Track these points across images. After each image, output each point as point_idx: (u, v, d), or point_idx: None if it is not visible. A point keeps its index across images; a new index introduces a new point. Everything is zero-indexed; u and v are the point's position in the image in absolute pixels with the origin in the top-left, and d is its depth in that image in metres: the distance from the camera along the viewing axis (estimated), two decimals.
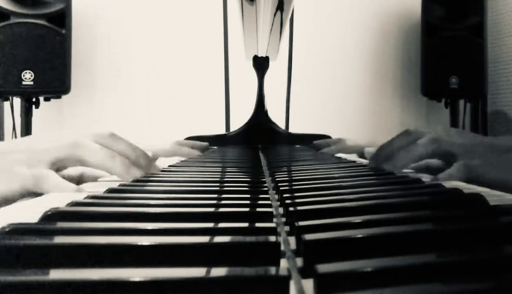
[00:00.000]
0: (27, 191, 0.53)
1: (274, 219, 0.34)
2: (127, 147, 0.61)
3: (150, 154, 0.67)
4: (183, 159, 0.91)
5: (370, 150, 0.84)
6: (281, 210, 0.38)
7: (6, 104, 2.15)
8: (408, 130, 0.67)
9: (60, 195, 0.47)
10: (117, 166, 0.56)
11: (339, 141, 1.09)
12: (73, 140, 0.55)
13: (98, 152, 0.56)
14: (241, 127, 1.39)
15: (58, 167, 0.56)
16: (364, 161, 0.80)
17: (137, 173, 0.58)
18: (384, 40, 2.43)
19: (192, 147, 1.01)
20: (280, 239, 0.27)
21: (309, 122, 2.02)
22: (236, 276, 0.20)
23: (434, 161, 0.68)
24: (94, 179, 0.64)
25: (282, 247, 0.27)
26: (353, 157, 0.98)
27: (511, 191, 0.46)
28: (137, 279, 0.20)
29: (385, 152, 0.66)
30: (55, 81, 1.96)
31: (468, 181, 0.58)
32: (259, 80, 1.38)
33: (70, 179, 0.63)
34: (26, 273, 0.21)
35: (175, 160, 0.88)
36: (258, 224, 0.29)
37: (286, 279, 0.20)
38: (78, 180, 0.65)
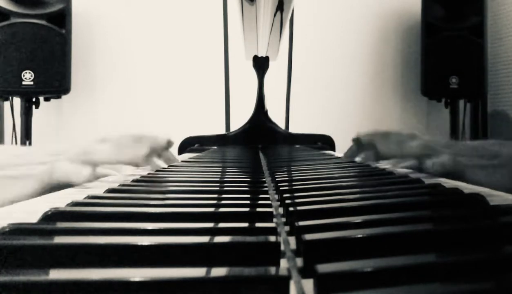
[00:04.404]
0: (45, 186, 0.57)
1: (274, 219, 0.34)
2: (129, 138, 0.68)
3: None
4: (182, 159, 0.91)
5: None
6: (281, 210, 0.38)
7: (6, 104, 2.15)
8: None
9: (61, 195, 0.47)
10: (124, 155, 0.63)
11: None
12: (81, 149, 0.61)
13: (105, 150, 0.62)
14: (241, 127, 1.39)
15: None
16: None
17: (143, 150, 0.65)
18: (384, 40, 2.43)
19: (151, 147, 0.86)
20: (280, 239, 0.27)
21: (309, 122, 2.02)
22: (236, 276, 0.20)
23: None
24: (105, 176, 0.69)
25: (282, 247, 0.27)
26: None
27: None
28: (137, 279, 0.20)
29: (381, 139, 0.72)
30: (55, 81, 1.96)
31: (453, 173, 0.61)
32: (259, 80, 1.38)
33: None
34: (26, 273, 0.21)
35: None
36: (258, 224, 0.29)
37: (286, 279, 0.20)
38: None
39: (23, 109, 2.01)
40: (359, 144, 0.79)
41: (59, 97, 2.05)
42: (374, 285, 0.20)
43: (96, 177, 0.68)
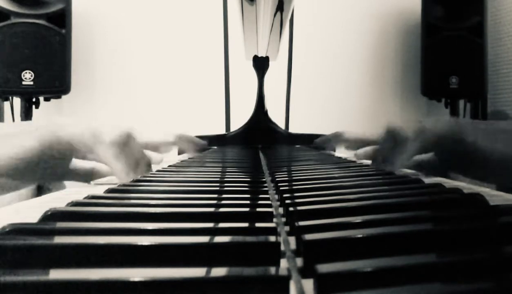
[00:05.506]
0: (45, 145, 0.56)
1: (274, 219, 0.34)
2: (136, 151, 0.65)
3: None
4: (182, 159, 0.91)
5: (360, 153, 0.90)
6: (281, 210, 0.38)
7: (6, 104, 2.15)
8: (389, 128, 0.71)
9: (61, 195, 0.47)
10: (118, 168, 0.60)
11: (337, 135, 1.08)
12: (92, 131, 0.60)
13: (107, 148, 0.60)
14: (241, 127, 1.39)
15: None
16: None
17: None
18: (384, 40, 2.43)
19: (191, 142, 1.00)
20: (280, 239, 0.27)
21: (309, 122, 2.02)
22: (236, 276, 0.20)
23: (424, 156, 0.71)
24: (103, 175, 0.68)
25: (282, 247, 0.27)
26: (351, 153, 0.98)
27: (491, 157, 0.48)
28: (137, 279, 0.20)
29: (381, 156, 0.70)
30: (55, 81, 1.96)
31: (455, 135, 0.61)
32: (259, 80, 1.38)
33: (84, 171, 0.67)
34: (26, 273, 0.21)
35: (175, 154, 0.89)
36: (258, 224, 0.29)
37: (286, 279, 0.20)
38: (90, 174, 0.69)
39: (23, 109, 2.01)
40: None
41: (59, 97, 2.05)
42: (374, 285, 0.20)
43: (94, 173, 0.68)
